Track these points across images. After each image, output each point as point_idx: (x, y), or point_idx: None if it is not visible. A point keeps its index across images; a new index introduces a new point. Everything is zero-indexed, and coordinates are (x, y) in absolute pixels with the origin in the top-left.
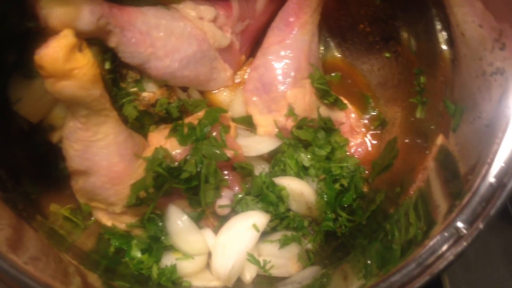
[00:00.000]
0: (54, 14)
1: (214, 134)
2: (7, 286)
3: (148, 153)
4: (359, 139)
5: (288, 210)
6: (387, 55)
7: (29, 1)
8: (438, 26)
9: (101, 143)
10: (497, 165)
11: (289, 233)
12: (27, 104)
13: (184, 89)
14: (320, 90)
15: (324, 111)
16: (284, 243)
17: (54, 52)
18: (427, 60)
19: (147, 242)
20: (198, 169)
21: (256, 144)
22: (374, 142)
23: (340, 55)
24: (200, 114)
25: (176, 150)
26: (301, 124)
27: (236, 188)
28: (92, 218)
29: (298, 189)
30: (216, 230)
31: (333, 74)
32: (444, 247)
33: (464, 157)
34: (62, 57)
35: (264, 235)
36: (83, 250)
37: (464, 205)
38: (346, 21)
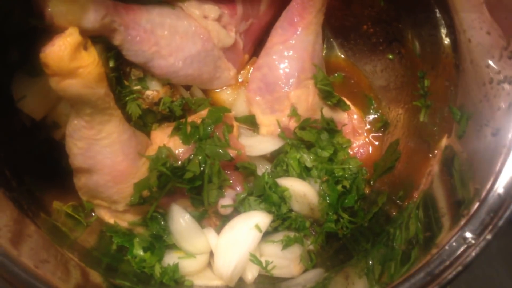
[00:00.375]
0: (59, 12)
1: (217, 133)
2: (8, 283)
3: (151, 151)
4: (361, 140)
5: (290, 210)
6: (390, 56)
7: None
8: (444, 30)
9: (105, 142)
10: (506, 175)
11: (291, 234)
12: (31, 102)
13: (187, 87)
14: (324, 91)
15: (326, 112)
16: (286, 244)
17: (59, 51)
18: (431, 64)
19: (149, 240)
20: (202, 169)
21: (259, 144)
22: (376, 143)
23: (343, 56)
24: (203, 113)
25: (179, 149)
26: (304, 124)
27: (239, 188)
28: (93, 215)
29: (301, 190)
30: (218, 230)
31: (336, 75)
32: (453, 257)
33: (470, 165)
34: (67, 56)
35: (266, 235)
36: (85, 247)
37: (472, 215)
38: (350, 21)
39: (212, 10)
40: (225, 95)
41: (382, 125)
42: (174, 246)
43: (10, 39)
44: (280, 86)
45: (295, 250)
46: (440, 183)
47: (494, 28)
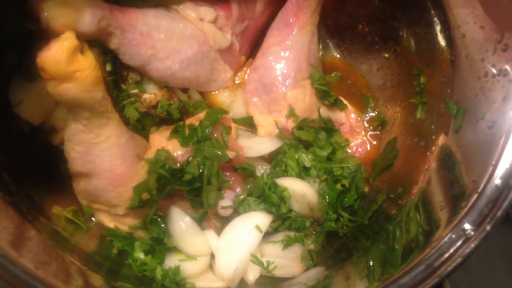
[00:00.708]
0: (56, 17)
1: (216, 135)
2: (9, 284)
3: (150, 154)
4: (359, 139)
5: (290, 210)
6: (386, 55)
7: (30, 3)
8: (438, 27)
9: (103, 145)
10: (502, 166)
11: (291, 234)
12: (28, 107)
13: (184, 90)
14: (320, 91)
15: (324, 112)
16: (287, 243)
17: (56, 55)
18: (427, 61)
19: (150, 243)
20: (201, 171)
21: (257, 145)
22: (374, 142)
23: (339, 56)
24: (201, 115)
25: (177, 151)
26: (302, 124)
27: (238, 189)
28: (93, 220)
29: (300, 190)
30: (218, 231)
31: (332, 74)
32: (452, 249)
33: (467, 158)
34: (64, 60)
35: (267, 236)
36: (85, 251)
37: (471, 207)
38: (345, 21)
39: (208, 12)
40: (222, 97)
41: (379, 124)
42: (174, 249)
43: (7, 44)
44: (277, 87)
45: (296, 250)
46: (438, 178)
47: (487, 22)
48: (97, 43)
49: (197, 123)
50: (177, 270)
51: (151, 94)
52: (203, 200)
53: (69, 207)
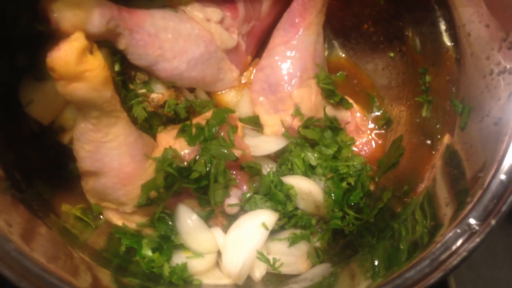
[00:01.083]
0: (65, 17)
1: (222, 134)
2: (21, 277)
3: (157, 153)
4: (365, 138)
5: (296, 208)
6: (391, 54)
7: (40, 4)
8: (443, 26)
9: (112, 144)
10: (507, 162)
11: (298, 232)
12: (38, 106)
13: (191, 90)
14: (326, 90)
15: (330, 111)
16: (293, 241)
17: (66, 55)
18: (432, 59)
19: (157, 241)
20: (208, 169)
21: (263, 144)
22: (380, 141)
23: (344, 55)
24: (208, 114)
25: (184, 150)
26: (308, 123)
27: (245, 187)
28: (102, 217)
29: (306, 188)
30: (225, 229)
31: (338, 74)
32: (457, 244)
33: (473, 155)
34: (73, 60)
35: (273, 233)
36: (94, 248)
37: (476, 202)
38: (350, 21)
39: (215, 13)
40: (229, 97)
41: (385, 123)
42: (182, 246)
43: (18, 44)
44: (283, 86)
45: (302, 247)
46: (443, 175)
47: (492, 21)
48: (105, 43)
49: (204, 122)
50: (184, 267)
51: (158, 93)
52: (210, 198)
53: (78, 205)
